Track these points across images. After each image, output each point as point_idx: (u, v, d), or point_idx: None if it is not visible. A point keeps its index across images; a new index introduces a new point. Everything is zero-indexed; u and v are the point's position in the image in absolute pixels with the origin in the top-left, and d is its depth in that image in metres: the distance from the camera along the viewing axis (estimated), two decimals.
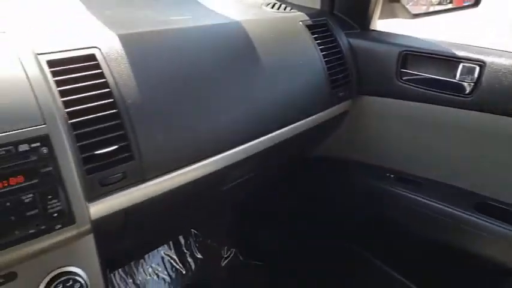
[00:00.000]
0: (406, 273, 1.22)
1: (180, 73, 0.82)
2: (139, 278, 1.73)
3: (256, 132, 0.92)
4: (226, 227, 1.91)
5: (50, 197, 0.60)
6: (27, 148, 0.58)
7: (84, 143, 0.66)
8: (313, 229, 1.56)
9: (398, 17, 1.23)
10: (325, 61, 1.12)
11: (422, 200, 1.14)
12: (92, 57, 0.72)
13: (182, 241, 1.91)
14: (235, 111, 0.88)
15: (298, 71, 1.08)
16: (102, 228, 0.69)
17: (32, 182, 0.59)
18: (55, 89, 0.66)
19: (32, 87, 0.61)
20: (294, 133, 1.05)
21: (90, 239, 0.67)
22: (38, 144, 0.59)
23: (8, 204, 0.57)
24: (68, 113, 0.65)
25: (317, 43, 1.13)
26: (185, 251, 1.87)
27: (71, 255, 0.66)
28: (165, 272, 1.79)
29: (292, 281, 1.67)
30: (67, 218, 0.61)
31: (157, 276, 1.76)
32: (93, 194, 0.67)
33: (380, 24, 1.29)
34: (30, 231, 0.58)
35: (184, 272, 1.81)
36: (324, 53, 1.13)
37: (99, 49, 0.76)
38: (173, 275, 1.78)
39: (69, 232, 0.62)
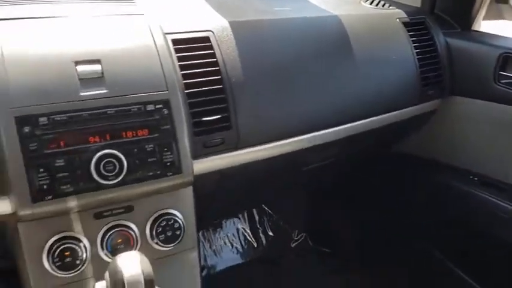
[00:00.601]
0: (480, 279, 1.21)
1: (280, 59, 0.91)
2: (216, 244, 1.90)
3: (342, 119, 0.99)
4: (300, 211, 1.99)
5: (165, 149, 0.71)
6: (153, 108, 0.71)
7: (194, 110, 0.78)
8: (386, 224, 1.51)
9: (505, 19, 1.20)
10: (418, 58, 1.15)
11: (506, 205, 1.12)
12: (207, 39, 0.85)
13: (257, 218, 2.02)
14: (325, 98, 0.96)
15: (390, 66, 1.12)
16: (200, 184, 0.79)
17: (154, 135, 0.71)
18: (176, 63, 0.78)
19: (160, 60, 0.74)
20: (378, 125, 1.10)
21: (190, 190, 0.79)
22: (161, 106, 0.71)
23: (135, 150, 0.70)
24: (185, 84, 0.78)
25: (412, 40, 1.16)
26: (258, 227, 1.99)
27: (174, 200, 0.77)
28: (239, 243, 1.93)
29: (358, 273, 1.70)
30: (176, 168, 0.73)
31: (232, 245, 1.91)
32: (197, 153, 0.78)
33: (484, 25, 1.26)
34: (148, 174, 0.70)
35: (255, 246, 1.93)
36: (417, 50, 1.15)
37: (213, 33, 0.88)
38: (245, 247, 1.92)
39: (177, 180, 0.73)
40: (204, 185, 0.82)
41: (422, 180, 1.31)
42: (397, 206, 1.50)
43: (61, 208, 0.66)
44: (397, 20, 1.16)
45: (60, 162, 0.65)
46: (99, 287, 0.62)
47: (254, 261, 1.85)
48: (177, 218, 0.76)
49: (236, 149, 0.84)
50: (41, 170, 0.64)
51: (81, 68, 0.68)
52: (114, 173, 0.68)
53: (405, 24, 1.11)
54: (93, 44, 0.71)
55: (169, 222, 0.76)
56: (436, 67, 1.17)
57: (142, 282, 0.59)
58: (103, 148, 0.68)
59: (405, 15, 1.18)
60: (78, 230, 0.70)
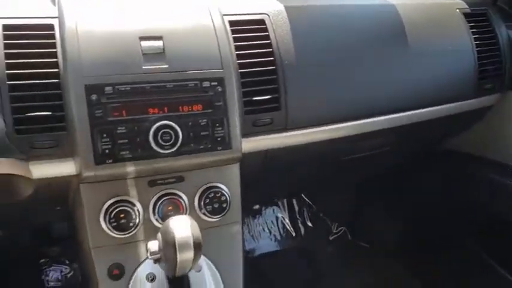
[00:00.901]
0: None
1: (334, 45, 0.92)
2: (254, 230, 1.94)
3: (394, 108, 0.99)
4: (341, 204, 1.98)
5: (217, 125, 0.76)
6: (208, 85, 0.75)
7: (246, 89, 0.81)
8: (430, 222, 1.50)
9: None
10: (476, 51, 1.12)
11: None
12: (262, 22, 0.88)
13: (296, 208, 2.03)
14: (378, 86, 0.96)
15: (446, 57, 1.10)
16: (246, 162, 0.83)
17: (207, 111, 0.75)
18: (232, 44, 0.81)
19: (218, 40, 0.78)
20: (430, 117, 1.08)
21: (237, 167, 0.82)
22: (216, 83, 0.76)
23: (190, 123, 0.75)
24: (239, 64, 0.81)
25: (472, 32, 1.13)
26: (298, 217, 2.00)
27: (222, 175, 0.81)
28: (277, 231, 1.95)
29: (398, 271, 1.67)
30: (226, 143, 0.77)
31: (270, 232, 1.93)
32: (246, 131, 0.81)
33: None
34: (200, 147, 0.75)
35: (294, 235, 1.94)
36: (477, 42, 1.12)
37: (269, 16, 0.89)
38: (283, 235, 1.94)
39: (226, 155, 0.77)
40: (249, 164, 0.85)
41: (472, 178, 1.27)
42: (444, 204, 1.46)
43: (120, 172, 0.72)
44: (457, 10, 1.11)
45: (121, 130, 0.70)
46: (151, 246, 0.66)
47: (291, 250, 1.87)
48: (224, 192, 0.79)
49: (284, 130, 0.86)
50: (104, 135, 0.69)
51: (145, 44, 0.73)
52: (170, 143, 0.73)
53: (466, 15, 1.09)
54: (156, 22, 0.76)
55: (217, 195, 0.79)
56: (496, 60, 1.13)
57: (192, 244, 0.63)
58: (161, 119, 0.72)
59: (466, 6, 1.15)
60: (133, 195, 0.75)
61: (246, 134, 0.81)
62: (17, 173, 0.68)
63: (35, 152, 0.69)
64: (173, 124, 0.73)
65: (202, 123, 0.75)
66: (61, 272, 1.58)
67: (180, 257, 0.60)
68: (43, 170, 0.70)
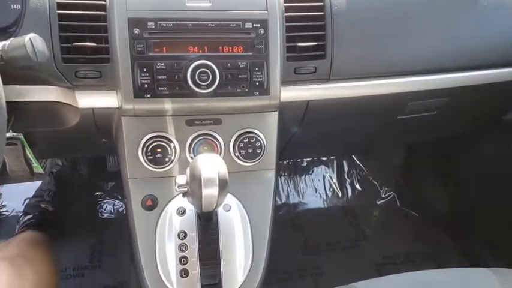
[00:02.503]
0: None
1: None
2: (300, 186, 1.96)
3: (451, 66, 0.91)
4: (392, 169, 1.93)
5: (256, 69, 0.75)
6: (250, 26, 0.74)
7: (290, 34, 0.78)
8: (484, 197, 1.40)
9: None
10: None
11: None
12: None
13: (346, 169, 2.03)
14: (434, 41, 0.89)
15: None
16: (286, 112, 0.82)
17: (247, 53, 0.75)
18: None
19: None
20: (492, 80, 0.99)
21: (275, 115, 0.81)
22: (259, 25, 0.74)
23: (229, 65, 0.74)
24: (285, 7, 0.78)
25: None
26: (346, 178, 2.00)
27: (259, 122, 0.81)
28: (323, 190, 1.96)
29: (444, 244, 1.61)
30: (264, 89, 0.76)
31: (315, 190, 1.95)
32: (287, 78, 0.79)
33: None
34: (237, 90, 0.75)
35: (339, 195, 1.95)
36: None
37: None
38: (329, 194, 1.95)
39: (263, 101, 0.77)
40: (289, 114, 0.84)
41: None
42: (501, 179, 1.33)
43: (157, 108, 0.73)
44: None
45: (161, 65, 0.72)
46: (180, 179, 0.69)
47: (336, 209, 1.88)
48: (259, 138, 0.80)
49: (328, 80, 0.83)
50: (144, 69, 0.71)
51: None
52: (207, 83, 0.73)
53: None
54: None
55: (252, 140, 0.80)
56: None
57: (217, 181, 0.64)
58: (200, 58, 0.73)
59: None
60: (171, 132, 0.78)
61: (286, 82, 0.79)
62: (63, 101, 0.72)
63: (80, 82, 0.71)
64: (211, 64, 0.73)
65: (241, 66, 0.75)
66: (113, 205, 1.72)
67: (205, 192, 0.62)
68: (88, 100, 0.74)
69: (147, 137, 0.76)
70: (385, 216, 1.75)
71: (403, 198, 1.80)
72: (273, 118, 0.82)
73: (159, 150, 0.76)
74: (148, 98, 0.72)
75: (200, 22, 0.73)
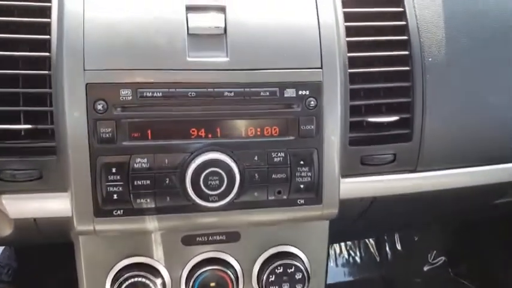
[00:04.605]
0: None
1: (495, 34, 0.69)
2: (331, 247, 1.70)
3: None
4: (442, 230, 1.71)
5: (301, 162, 0.57)
6: (293, 95, 0.56)
7: (356, 103, 0.61)
8: None
9: None
10: None
11: None
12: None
13: None
14: None
15: None
16: (343, 211, 0.65)
17: (287, 138, 0.57)
18: (342, 22, 0.61)
19: (318, 13, 0.58)
20: None
21: (325, 224, 0.66)
22: (307, 92, 0.56)
23: (256, 158, 0.55)
24: (349, 58, 0.60)
25: None
26: (385, 238, 1.75)
27: (300, 235, 0.65)
28: (358, 253, 1.73)
29: None
30: (314, 193, 0.59)
31: (348, 254, 1.72)
32: (349, 171, 0.63)
33: None
34: (269, 198, 0.57)
35: (378, 260, 1.71)
36: None
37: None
38: (365, 259, 1.71)
39: (313, 211, 0.60)
40: (341, 213, 0.68)
41: None
42: None
43: (133, 228, 0.57)
44: None
45: (142, 163, 0.54)
46: None
47: (373, 280, 1.66)
48: (299, 264, 0.63)
49: (412, 171, 0.66)
50: (113, 170, 0.53)
51: (194, 17, 0.55)
52: (219, 191, 0.55)
53: None
54: None
55: (289, 270, 0.63)
56: None
57: None
58: (208, 149, 0.55)
59: None
60: (158, 257, 0.61)
61: (348, 175, 0.64)
62: None
63: (9, 186, 0.55)
64: (227, 159, 0.54)
65: (275, 159, 0.56)
66: None
67: None
68: (23, 207, 0.58)
69: (120, 265, 0.60)
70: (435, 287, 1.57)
71: (457, 265, 1.59)
72: (323, 228, 0.66)
73: None
74: (118, 215, 0.54)
75: (210, 90, 0.54)
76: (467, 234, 1.61)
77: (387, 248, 1.69)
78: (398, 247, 1.69)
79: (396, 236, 1.72)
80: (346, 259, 1.64)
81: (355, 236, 1.40)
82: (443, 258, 1.61)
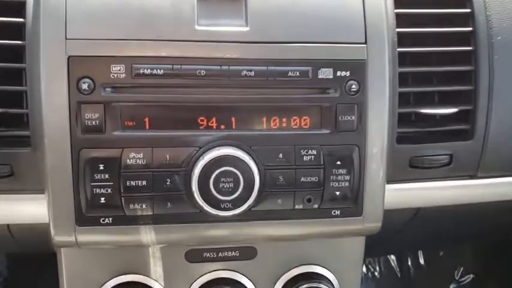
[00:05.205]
0: None
1: None
2: None
3: None
4: (473, 242, 1.58)
5: (338, 162, 0.49)
6: (330, 76, 0.47)
7: (404, 90, 0.53)
8: None
9: None
10: None
11: None
12: None
13: None
14: None
15: None
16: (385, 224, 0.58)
17: (320, 131, 0.49)
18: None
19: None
20: None
21: (361, 240, 0.59)
22: (348, 73, 0.47)
23: (280, 156, 0.47)
24: (399, 34, 0.52)
25: None
26: (407, 252, 1.66)
27: (328, 251, 0.58)
28: (377, 268, 1.64)
29: None
30: (353, 203, 0.51)
31: (367, 269, 1.62)
32: (395, 175, 0.55)
33: None
34: (296, 206, 0.49)
35: (399, 276, 1.62)
36: None
37: None
38: (385, 274, 1.63)
39: (349, 225, 0.52)
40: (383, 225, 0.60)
41: None
42: None
43: (124, 240, 0.50)
44: None
45: (137, 159, 0.46)
46: None
47: None
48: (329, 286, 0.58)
49: (473, 177, 0.58)
50: (101, 168, 0.45)
51: None
52: (233, 197, 0.47)
53: None
54: None
55: None
56: None
57: None
58: (220, 143, 0.47)
59: None
60: (156, 276, 0.54)
61: (394, 180, 0.56)
62: None
63: None
64: (244, 156, 0.46)
65: (305, 158, 0.48)
66: None
67: None
68: None
69: (110, 284, 0.54)
70: None
71: (487, 284, 1.51)
72: (358, 244, 0.59)
73: None
74: (106, 224, 0.47)
75: (224, 67, 0.46)
76: (500, 250, 1.49)
77: (409, 263, 1.59)
78: (422, 262, 1.59)
79: (419, 250, 1.67)
80: (364, 274, 1.54)
81: (382, 252, 1.31)
82: (471, 276, 1.50)
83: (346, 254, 0.59)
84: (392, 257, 1.60)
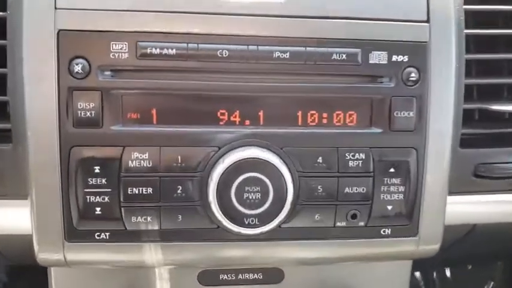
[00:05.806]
0: None
1: None
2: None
3: None
4: (502, 252, 1.62)
5: (391, 170, 0.42)
6: (384, 61, 0.40)
7: (474, 81, 0.46)
8: None
9: None
10: None
11: None
12: None
13: None
14: None
15: None
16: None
17: (371, 130, 0.42)
18: None
19: None
20: None
21: (408, 265, 0.54)
22: (406, 58, 0.40)
23: (319, 161, 0.41)
24: (467, 12, 0.45)
25: None
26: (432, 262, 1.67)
27: (368, 277, 0.53)
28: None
29: None
30: (407, 220, 0.44)
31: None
32: (457, 186, 0.47)
33: None
34: (337, 224, 0.42)
35: None
36: None
37: None
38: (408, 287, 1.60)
39: (400, 246, 0.45)
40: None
41: None
42: None
43: (127, 261, 0.43)
44: None
45: (141, 161, 0.40)
46: None
47: None
48: None
49: None
50: (97, 170, 0.39)
51: None
52: (259, 211, 0.39)
53: None
54: None
55: None
56: None
57: None
58: (245, 143, 0.40)
59: None
60: None
61: (454, 192, 0.48)
62: None
63: None
64: (273, 159, 0.40)
65: (351, 163, 0.41)
66: None
67: None
68: None
69: None
70: None
71: None
72: (404, 267, 0.54)
73: None
74: (103, 240, 0.40)
75: (252, 47, 0.39)
76: None
77: (434, 275, 1.59)
78: (448, 274, 1.59)
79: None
80: None
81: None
82: None
83: (389, 280, 0.53)
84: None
